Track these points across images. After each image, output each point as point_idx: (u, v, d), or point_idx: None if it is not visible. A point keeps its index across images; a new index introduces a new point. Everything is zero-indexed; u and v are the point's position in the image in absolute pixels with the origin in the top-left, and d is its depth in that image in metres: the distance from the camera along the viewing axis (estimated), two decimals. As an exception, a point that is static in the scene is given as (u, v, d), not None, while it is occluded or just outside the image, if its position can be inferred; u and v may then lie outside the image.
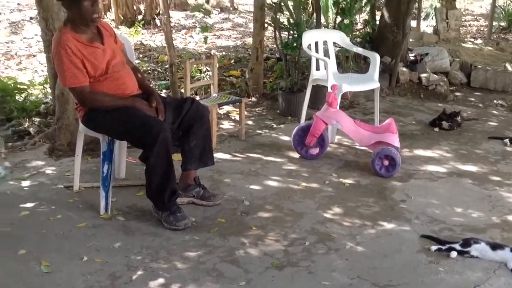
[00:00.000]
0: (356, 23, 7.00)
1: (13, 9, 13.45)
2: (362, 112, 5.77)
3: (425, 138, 5.05)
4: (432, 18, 11.22)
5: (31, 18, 11.90)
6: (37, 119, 4.97)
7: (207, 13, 6.06)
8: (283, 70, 6.03)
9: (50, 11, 4.03)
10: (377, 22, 7.17)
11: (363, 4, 6.39)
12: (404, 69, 6.72)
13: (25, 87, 5.66)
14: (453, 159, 4.53)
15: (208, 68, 6.18)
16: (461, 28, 9.59)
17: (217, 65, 4.99)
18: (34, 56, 8.30)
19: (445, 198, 3.77)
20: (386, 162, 4.06)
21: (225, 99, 4.77)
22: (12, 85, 5.48)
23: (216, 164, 3.78)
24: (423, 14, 11.67)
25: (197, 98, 5.57)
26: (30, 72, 7.34)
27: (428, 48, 7.36)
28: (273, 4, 5.79)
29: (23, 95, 5.50)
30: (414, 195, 3.80)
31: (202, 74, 6.38)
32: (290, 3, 5.83)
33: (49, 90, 5.47)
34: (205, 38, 6.27)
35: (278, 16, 5.87)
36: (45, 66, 6.50)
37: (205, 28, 6.10)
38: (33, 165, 4.10)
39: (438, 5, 10.32)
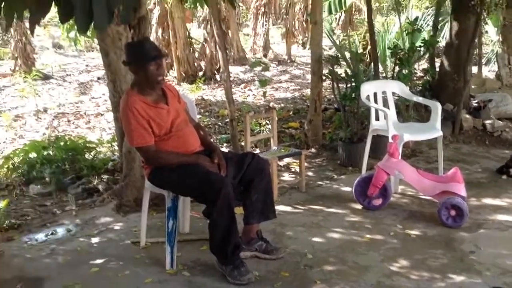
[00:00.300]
0: (415, 72, 6.97)
1: (81, 70, 14.20)
2: (425, 161, 5.67)
3: (493, 186, 4.89)
4: (494, 63, 11.02)
5: (98, 78, 12.53)
6: (105, 176, 5.16)
7: (266, 68, 6.20)
8: (342, 120, 6.05)
9: (117, 74, 4.25)
10: (437, 70, 7.12)
11: (421, 54, 6.37)
12: (467, 116, 6.60)
13: (94, 145, 5.92)
14: (524, 207, 4.36)
15: (268, 122, 6.28)
16: (524, 73, 9.34)
17: (276, 118, 5.07)
18: (102, 115, 8.70)
19: (517, 249, 3.61)
20: (453, 212, 3.96)
21: (285, 152, 4.82)
22: (82, 144, 5.75)
23: (278, 217, 3.79)
24: (484, 60, 11.47)
25: (257, 151, 5.66)
26: (98, 130, 7.69)
27: (491, 94, 7.22)
28: (330, 57, 5.88)
29: (92, 153, 5.75)
30: (484, 245, 3.66)
31: (262, 128, 6.49)
32: (347, 55, 5.90)
33: (116, 148, 5.71)
34: (264, 92, 6.41)
35: (335, 68, 5.93)
36: (113, 125, 6.81)
37: (264, 83, 6.25)
38: (101, 222, 4.25)
39: (500, 50, 10.13)
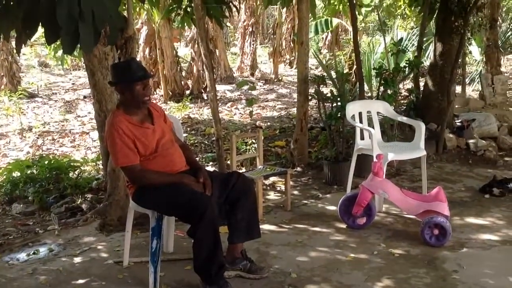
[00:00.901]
0: (400, 92, 7.04)
1: (67, 89, 14.18)
2: (409, 180, 5.71)
3: (476, 205, 4.93)
4: (477, 83, 11.18)
5: (84, 97, 12.52)
6: (89, 195, 5.14)
7: (252, 88, 6.25)
8: (327, 139, 6.09)
9: (103, 93, 4.26)
10: (421, 89, 7.21)
11: (406, 74, 6.45)
12: (451, 135, 6.68)
13: (78, 164, 5.90)
14: (506, 226, 4.39)
15: (254, 141, 6.30)
16: (507, 92, 9.49)
17: (262, 138, 5.09)
18: (87, 133, 8.68)
19: (499, 267, 3.63)
20: (436, 231, 3.98)
21: (271, 171, 4.84)
22: (66, 163, 5.72)
23: (263, 236, 3.79)
24: (467, 79, 11.64)
25: (243, 170, 5.67)
26: (83, 149, 7.66)
27: (475, 114, 7.31)
28: (316, 77, 5.93)
29: (76, 172, 5.72)
30: (467, 265, 3.68)
31: (248, 146, 6.51)
32: (333, 74, 5.95)
33: (101, 167, 5.68)
34: (251, 112, 6.45)
35: (321, 87, 5.99)
36: (98, 143, 6.79)
37: (251, 102, 6.28)
38: (85, 241, 4.21)
39: (483, 70, 10.29)
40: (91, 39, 3.06)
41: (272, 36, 17.07)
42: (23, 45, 3.46)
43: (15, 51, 13.34)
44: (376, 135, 4.91)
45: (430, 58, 7.79)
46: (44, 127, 9.37)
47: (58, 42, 3.71)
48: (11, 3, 3.30)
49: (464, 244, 4.03)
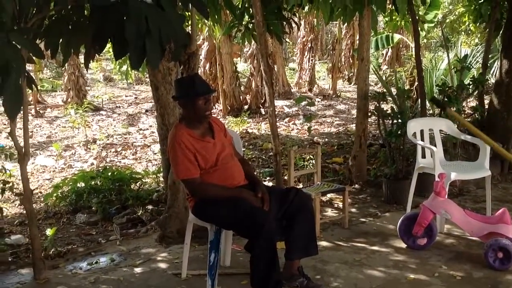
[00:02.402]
0: (464, 110, 6.85)
1: (130, 102, 14.61)
2: (472, 200, 5.53)
3: (544, 228, 4.71)
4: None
5: (146, 110, 12.86)
6: (149, 207, 5.25)
7: (311, 103, 6.23)
8: (387, 157, 5.99)
9: (166, 108, 4.36)
10: (486, 107, 6.99)
11: (470, 92, 6.28)
12: (517, 155, 6.42)
13: (140, 176, 6.05)
14: None
15: (312, 156, 6.27)
16: None
17: (320, 154, 5.07)
18: (149, 146, 8.89)
19: None
20: (500, 255, 3.83)
21: (328, 187, 4.80)
22: (129, 174, 5.88)
23: (320, 253, 3.76)
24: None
25: (301, 185, 5.65)
26: (145, 161, 7.84)
27: (542, 133, 7.00)
28: (376, 94, 5.86)
29: (137, 184, 5.87)
30: (534, 291, 3.53)
31: (306, 162, 6.49)
32: (394, 91, 5.86)
33: (161, 179, 5.81)
34: (309, 128, 6.43)
35: (381, 104, 5.91)
36: (159, 156, 6.94)
37: (309, 118, 6.26)
38: (144, 252, 4.31)
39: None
40: (157, 55, 3.15)
41: (331, 52, 17.02)
42: (90, 61, 3.61)
43: (82, 65, 13.83)
44: (438, 153, 4.79)
45: (495, 75, 7.55)
46: (108, 140, 9.67)
47: (123, 58, 3.85)
48: (82, 19, 3.44)
49: (531, 269, 3.86)
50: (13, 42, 2.97)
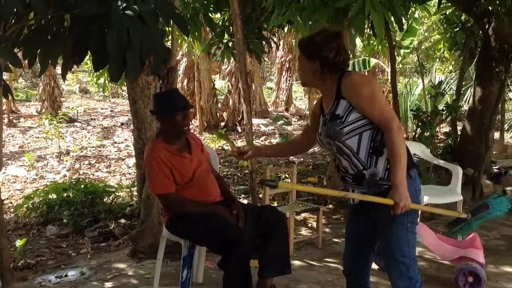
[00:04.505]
0: (437, 135, 6.97)
1: (106, 115, 14.49)
2: (444, 224, 5.56)
3: (512, 254, 4.80)
4: (516, 129, 11.00)
5: (121, 124, 12.76)
6: (122, 221, 5.20)
7: (288, 123, 6.27)
8: (361, 179, 6.02)
9: (143, 122, 4.35)
10: (459, 134, 7.12)
11: (444, 117, 6.39)
12: (488, 181, 6.54)
13: (113, 189, 5.99)
14: (544, 278, 4.25)
15: (287, 175, 6.29)
16: (547, 139, 9.30)
17: (296, 173, 5.09)
18: (123, 160, 8.81)
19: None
20: (470, 279, 3.88)
21: (303, 207, 4.82)
22: (102, 187, 5.81)
23: (293, 272, 3.73)
24: (506, 126, 11.45)
25: (275, 204, 5.65)
26: (118, 175, 7.77)
27: (513, 161, 7.18)
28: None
29: (111, 197, 5.81)
30: (503, 316, 3.57)
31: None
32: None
33: (135, 193, 5.75)
34: (285, 147, 6.44)
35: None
36: (133, 170, 6.88)
37: (286, 138, 6.30)
38: (116, 266, 4.25)
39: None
40: (137, 68, 3.14)
41: (308, 73, 17.13)
42: (68, 72, 3.57)
43: (58, 76, 13.65)
44: (411, 176, 4.84)
45: (468, 102, 7.71)
46: (82, 152, 9.56)
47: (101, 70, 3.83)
48: (61, 30, 3.42)
49: (500, 294, 3.91)
50: (-9, 50, 2.94)
